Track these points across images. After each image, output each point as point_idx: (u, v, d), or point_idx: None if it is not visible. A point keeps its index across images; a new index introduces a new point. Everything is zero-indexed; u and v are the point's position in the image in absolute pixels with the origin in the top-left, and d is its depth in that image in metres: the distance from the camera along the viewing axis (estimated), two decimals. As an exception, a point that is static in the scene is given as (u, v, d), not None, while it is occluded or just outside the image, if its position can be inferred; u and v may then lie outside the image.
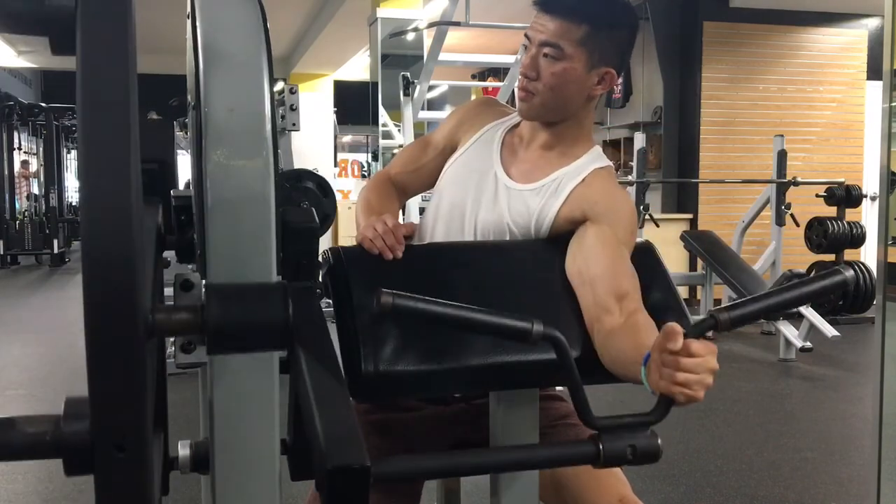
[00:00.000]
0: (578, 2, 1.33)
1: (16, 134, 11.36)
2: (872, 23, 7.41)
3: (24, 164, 12.37)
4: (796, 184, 5.72)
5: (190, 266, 0.88)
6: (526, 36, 1.37)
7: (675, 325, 0.96)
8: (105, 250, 0.52)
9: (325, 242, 6.91)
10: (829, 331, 5.03)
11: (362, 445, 0.67)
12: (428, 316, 0.89)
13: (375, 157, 6.92)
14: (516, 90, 1.42)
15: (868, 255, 6.78)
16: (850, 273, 0.91)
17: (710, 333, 0.95)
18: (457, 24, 5.16)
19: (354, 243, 1.32)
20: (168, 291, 0.86)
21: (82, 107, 0.53)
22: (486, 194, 1.41)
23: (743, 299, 0.93)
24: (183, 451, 0.76)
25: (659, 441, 0.89)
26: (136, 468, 0.54)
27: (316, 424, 0.66)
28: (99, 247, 0.52)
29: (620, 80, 7.64)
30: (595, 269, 1.27)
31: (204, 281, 0.65)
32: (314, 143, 10.43)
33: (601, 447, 0.85)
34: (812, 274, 5.76)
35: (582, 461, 0.88)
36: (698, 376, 0.96)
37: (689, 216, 7.18)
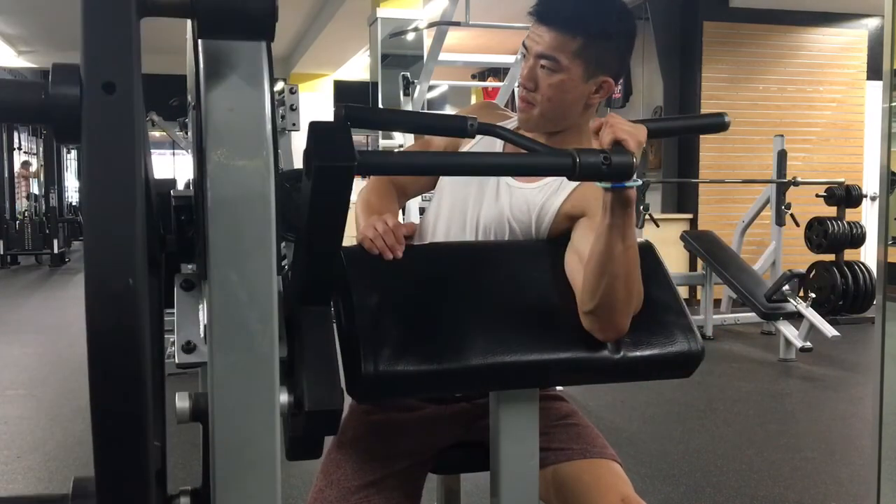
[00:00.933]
0: (574, 13, 1.33)
1: (16, 134, 11.36)
2: (872, 23, 7.41)
3: (25, 164, 12.37)
4: (796, 184, 5.72)
5: (190, 266, 0.88)
6: (524, 45, 1.37)
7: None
8: None
9: (325, 242, 6.88)
10: (829, 331, 5.03)
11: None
12: (376, 123, 0.95)
13: (375, 157, 6.91)
14: (517, 101, 1.42)
15: (868, 255, 6.78)
16: (727, 118, 1.22)
17: None
18: (457, 24, 5.15)
19: (354, 243, 1.32)
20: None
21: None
22: (487, 193, 1.42)
23: (650, 119, 1.19)
24: (181, 402, 0.75)
25: (634, 158, 0.95)
26: (126, 110, 0.55)
27: None
28: None
29: (620, 81, 7.65)
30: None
31: None
32: (314, 143, 10.42)
33: (577, 159, 0.89)
34: (811, 273, 5.77)
35: (558, 171, 0.93)
36: (629, 123, 1.07)
37: (689, 216, 7.18)
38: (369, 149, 10.01)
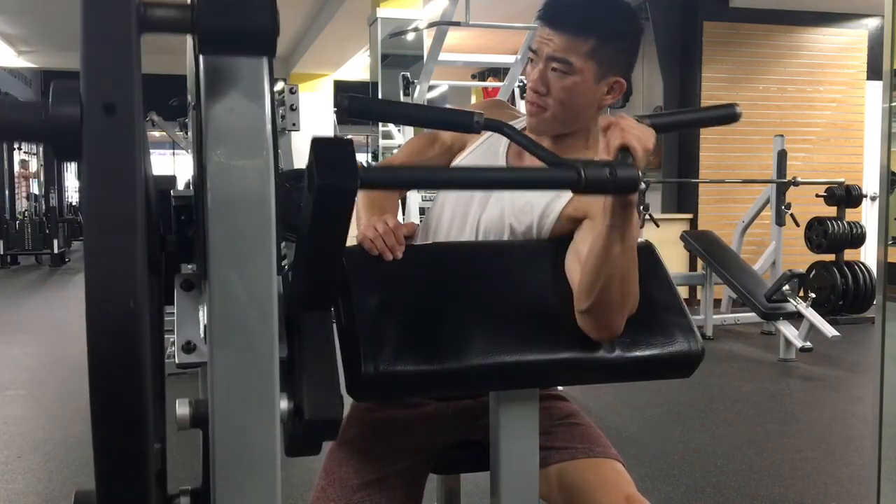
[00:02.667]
0: (584, 15, 1.33)
1: (16, 134, 11.34)
2: (872, 23, 7.42)
3: (23, 163, 12.33)
4: (796, 184, 5.72)
5: (190, 266, 0.88)
6: (532, 50, 1.37)
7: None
8: None
9: (325, 242, 6.87)
10: (829, 331, 5.03)
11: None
12: (379, 114, 0.96)
13: (375, 157, 6.92)
14: (526, 105, 1.41)
15: (868, 255, 6.78)
16: (738, 108, 1.20)
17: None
18: (457, 24, 5.16)
19: (355, 243, 1.32)
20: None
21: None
22: (491, 194, 1.41)
23: (660, 113, 1.18)
24: (181, 409, 0.76)
25: (639, 172, 0.94)
26: (126, 131, 0.54)
27: None
28: None
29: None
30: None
31: None
32: (314, 143, 10.42)
33: (582, 172, 0.88)
34: (811, 273, 5.77)
35: (564, 185, 0.92)
36: (638, 127, 1.09)
37: (689, 216, 7.18)
38: (369, 148, 10.01)
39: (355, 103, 0.93)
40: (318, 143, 0.77)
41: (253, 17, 0.61)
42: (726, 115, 1.22)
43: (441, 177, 0.96)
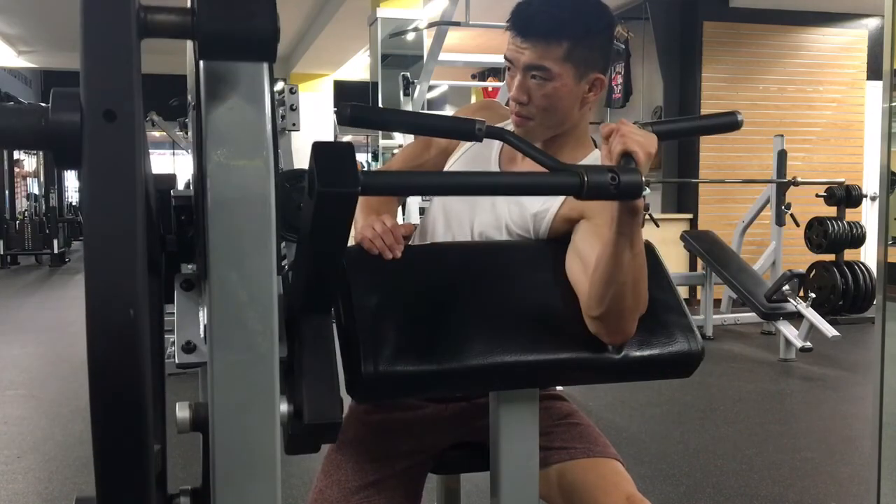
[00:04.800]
0: (553, 20, 1.31)
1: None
2: (872, 23, 7.42)
3: (16, 162, 12.22)
4: (796, 184, 5.72)
5: (190, 266, 0.88)
6: (507, 59, 1.36)
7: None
8: None
9: (325, 242, 6.87)
10: (829, 331, 5.03)
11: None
12: (381, 123, 0.94)
13: (375, 157, 6.92)
14: (511, 116, 1.40)
15: (868, 255, 6.78)
16: (740, 117, 1.23)
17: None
18: (457, 24, 5.16)
19: (354, 243, 1.32)
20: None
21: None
22: (479, 198, 1.41)
23: (662, 121, 1.19)
24: (182, 413, 0.75)
25: (642, 177, 0.93)
26: (126, 138, 0.55)
27: None
28: None
29: (620, 80, 7.65)
30: (592, 258, 1.27)
31: None
32: (314, 143, 10.42)
33: (585, 177, 0.88)
34: (811, 273, 5.77)
35: (565, 191, 0.91)
36: (640, 132, 1.09)
37: (689, 216, 7.18)
38: (369, 148, 10.01)
39: (357, 112, 0.93)
40: (318, 149, 0.76)
41: (253, 23, 0.61)
42: (728, 123, 1.25)
43: (442, 182, 0.95)
